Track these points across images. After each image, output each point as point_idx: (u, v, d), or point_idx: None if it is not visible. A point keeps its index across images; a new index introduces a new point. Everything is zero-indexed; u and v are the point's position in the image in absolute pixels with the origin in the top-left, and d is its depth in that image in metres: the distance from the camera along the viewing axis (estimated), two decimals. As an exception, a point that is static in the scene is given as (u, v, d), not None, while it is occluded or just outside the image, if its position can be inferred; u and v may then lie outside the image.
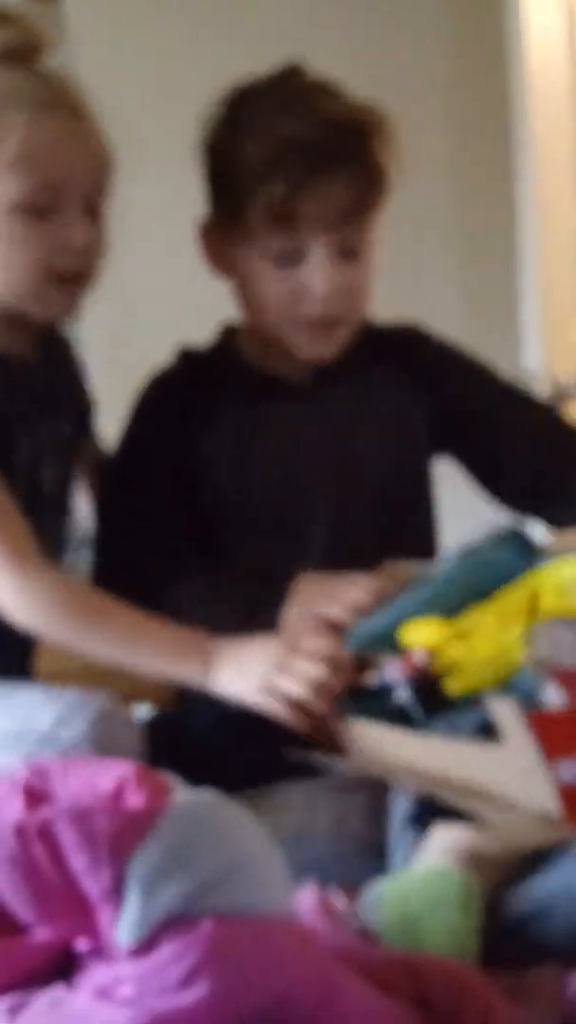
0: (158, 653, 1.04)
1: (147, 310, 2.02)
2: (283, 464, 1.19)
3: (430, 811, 0.94)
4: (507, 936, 0.81)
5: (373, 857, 1.00)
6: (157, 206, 1.73)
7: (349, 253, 1.10)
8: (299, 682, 0.95)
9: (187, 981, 0.58)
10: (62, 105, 1.04)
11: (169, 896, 0.60)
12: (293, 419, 1.20)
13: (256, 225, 1.07)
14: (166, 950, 0.59)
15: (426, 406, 1.23)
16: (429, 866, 0.82)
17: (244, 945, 0.59)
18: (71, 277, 1.06)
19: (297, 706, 0.95)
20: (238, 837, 0.62)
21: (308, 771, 1.03)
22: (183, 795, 0.63)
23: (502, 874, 0.88)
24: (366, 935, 0.76)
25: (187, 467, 1.18)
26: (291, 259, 1.09)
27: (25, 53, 1.04)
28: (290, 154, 1.04)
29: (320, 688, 0.95)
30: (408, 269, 2.12)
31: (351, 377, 1.21)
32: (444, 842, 0.90)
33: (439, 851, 0.88)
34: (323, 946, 0.63)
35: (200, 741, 1.09)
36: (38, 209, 1.02)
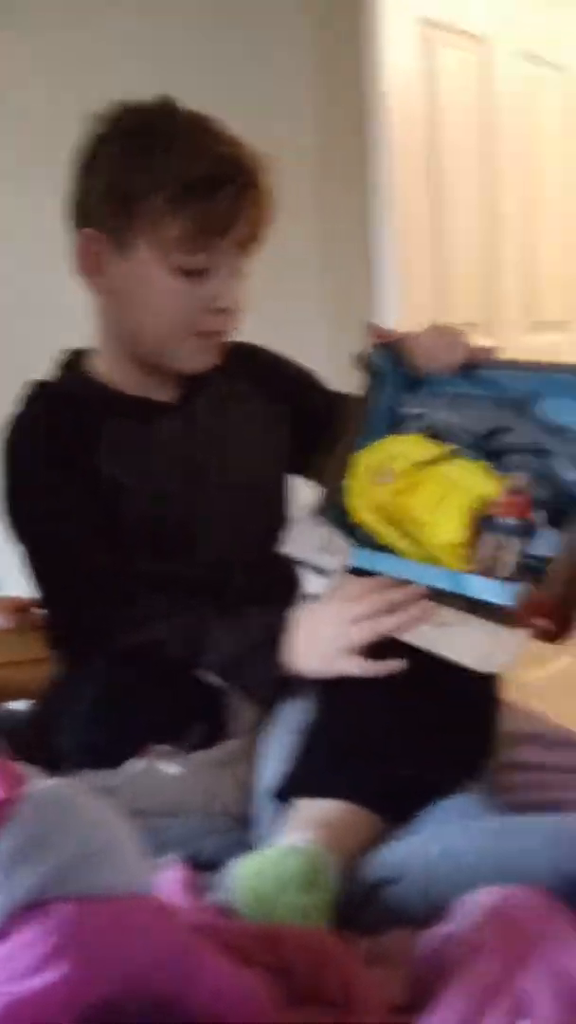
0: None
1: None
2: (170, 480, 1.15)
3: (297, 787, 0.94)
4: (363, 902, 0.80)
5: (242, 832, 0.99)
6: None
7: (241, 273, 1.11)
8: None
9: (43, 965, 0.54)
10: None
11: (26, 883, 0.56)
12: (169, 436, 1.16)
13: (174, 239, 1.04)
14: (23, 936, 0.56)
15: (282, 412, 1.24)
16: (279, 844, 0.81)
17: (101, 927, 0.56)
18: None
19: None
20: (93, 822, 0.59)
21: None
22: (38, 784, 0.60)
23: (360, 843, 0.88)
24: (227, 911, 0.74)
25: (89, 489, 1.12)
26: (198, 274, 1.07)
27: None
28: (228, 173, 1.04)
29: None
30: (279, 299, 2.12)
31: (211, 390, 1.20)
32: (304, 816, 0.89)
33: (298, 825, 0.87)
34: (182, 923, 0.60)
35: (72, 731, 1.05)
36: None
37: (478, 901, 0.70)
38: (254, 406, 1.23)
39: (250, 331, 1.26)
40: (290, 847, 0.77)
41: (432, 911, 0.76)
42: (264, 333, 1.32)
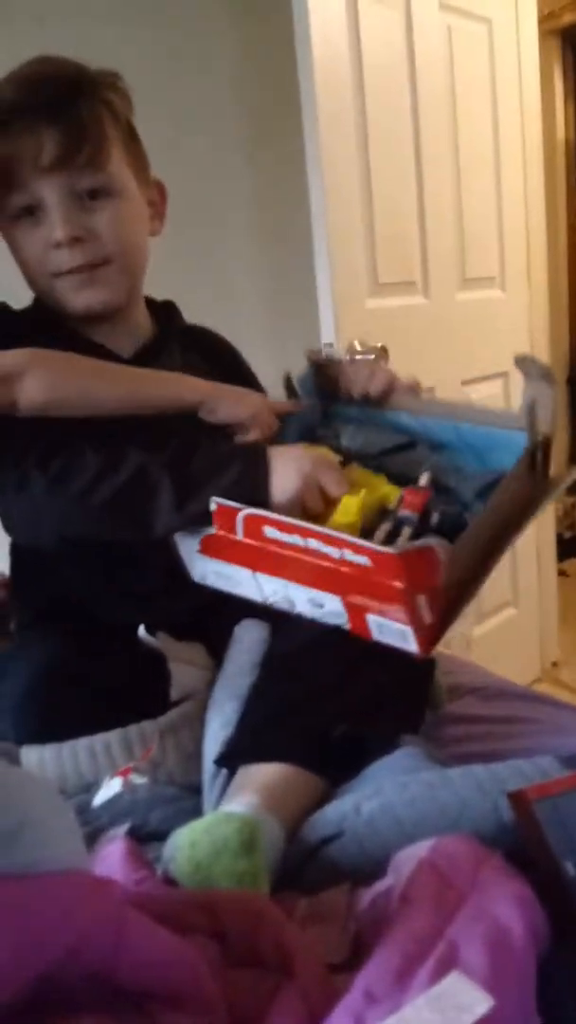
0: (162, 380, 1.06)
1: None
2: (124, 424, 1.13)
3: (238, 754, 0.93)
4: (305, 861, 0.80)
5: (190, 801, 0.98)
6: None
7: (91, 196, 1.05)
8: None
9: (-29, 946, 0.53)
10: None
11: (-49, 862, 0.55)
12: None
13: None
14: (-49, 917, 0.55)
15: None
16: (216, 812, 0.80)
17: (29, 903, 0.55)
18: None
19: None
20: (17, 797, 0.57)
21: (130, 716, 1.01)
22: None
23: (303, 805, 0.88)
24: (169, 880, 0.74)
25: None
26: (32, 215, 1.04)
27: None
28: (6, 108, 1.01)
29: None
30: (217, 264, 2.10)
31: (170, 358, 1.18)
32: (245, 781, 0.89)
33: (240, 790, 0.87)
34: (114, 894, 0.59)
35: (16, 696, 1.03)
36: None
37: (413, 854, 0.70)
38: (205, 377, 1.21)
39: (188, 291, 1.24)
40: (225, 814, 0.77)
41: (372, 866, 0.76)
42: (200, 299, 1.30)
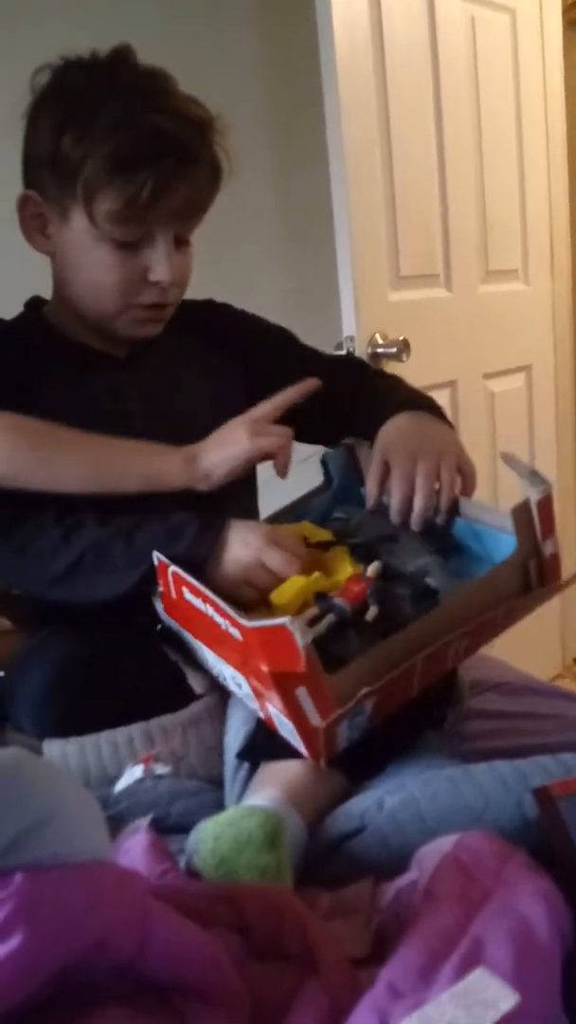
0: (135, 453, 1.04)
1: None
2: (114, 430, 1.14)
3: (261, 748, 0.94)
4: (327, 855, 0.81)
5: (213, 793, 0.99)
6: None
7: (182, 242, 1.09)
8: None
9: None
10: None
11: (-21, 854, 0.56)
12: (116, 388, 1.14)
13: (106, 212, 1.01)
14: (-22, 907, 0.55)
15: (239, 370, 1.23)
16: (239, 806, 0.81)
17: (56, 895, 0.55)
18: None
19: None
20: (44, 790, 0.58)
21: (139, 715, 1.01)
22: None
23: (325, 800, 0.88)
24: (192, 873, 0.74)
25: None
26: (132, 245, 1.04)
27: None
28: (156, 149, 0.99)
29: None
30: (237, 254, 2.10)
31: (165, 348, 1.18)
32: (268, 776, 0.89)
33: (263, 785, 0.88)
34: (139, 887, 0.60)
35: (36, 694, 1.04)
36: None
37: (436, 849, 0.70)
38: (203, 365, 1.21)
39: (208, 284, 1.24)
40: (248, 808, 0.77)
41: (394, 861, 0.76)
42: (219, 287, 1.30)
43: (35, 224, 1.09)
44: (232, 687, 0.95)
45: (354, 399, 1.19)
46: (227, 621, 0.84)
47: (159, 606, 1.03)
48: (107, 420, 1.12)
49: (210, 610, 0.87)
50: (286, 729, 0.84)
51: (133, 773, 0.93)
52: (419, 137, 1.92)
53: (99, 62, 1.05)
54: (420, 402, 1.18)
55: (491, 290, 2.14)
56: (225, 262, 1.99)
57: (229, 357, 1.23)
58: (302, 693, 0.77)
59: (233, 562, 0.97)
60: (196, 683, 1.06)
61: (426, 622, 0.86)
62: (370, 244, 1.81)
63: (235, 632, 0.83)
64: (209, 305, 1.28)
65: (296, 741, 0.83)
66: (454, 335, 2.03)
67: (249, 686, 0.88)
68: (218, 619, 0.86)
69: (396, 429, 1.10)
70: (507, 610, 0.91)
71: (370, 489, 1.07)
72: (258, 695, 0.87)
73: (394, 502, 1.03)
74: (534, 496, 0.91)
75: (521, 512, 0.92)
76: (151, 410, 1.16)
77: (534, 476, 0.94)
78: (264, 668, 0.78)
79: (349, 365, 1.35)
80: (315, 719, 0.78)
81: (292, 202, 2.20)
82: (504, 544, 0.95)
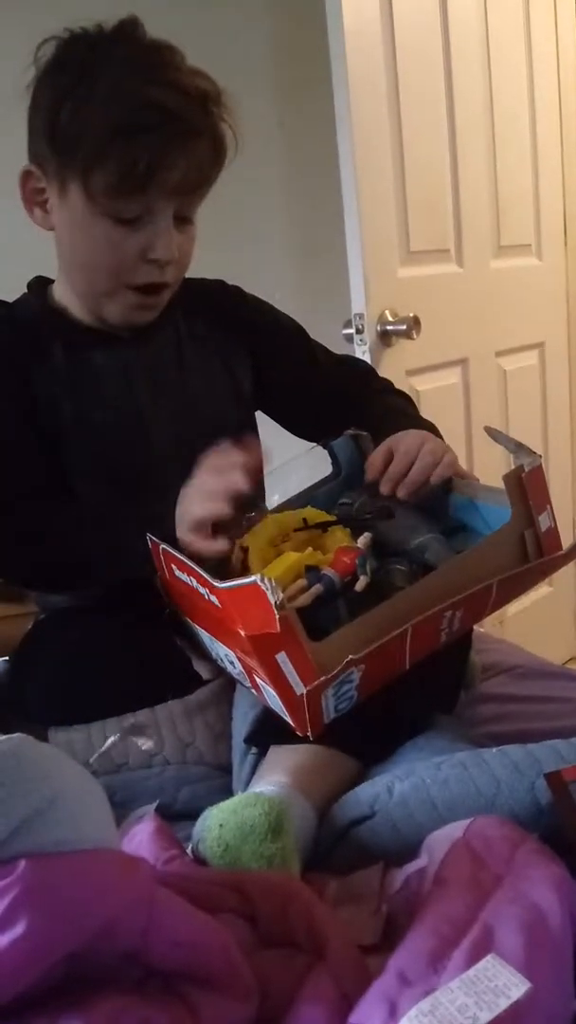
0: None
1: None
2: (120, 412, 1.13)
3: (268, 732, 0.93)
4: (336, 841, 0.81)
5: (220, 779, 0.99)
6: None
7: (182, 221, 1.06)
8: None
9: (3, 923, 0.54)
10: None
11: (-17, 840, 0.56)
12: (122, 370, 1.13)
13: (102, 185, 0.99)
14: (-17, 894, 0.55)
15: (245, 359, 1.21)
16: (244, 794, 0.80)
17: (60, 881, 0.55)
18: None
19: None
20: (48, 775, 0.58)
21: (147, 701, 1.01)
22: (-7, 739, 0.59)
23: (334, 785, 0.88)
24: (199, 860, 0.74)
25: (26, 410, 1.09)
26: (131, 222, 1.02)
27: None
28: (153, 120, 0.97)
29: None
30: (246, 231, 2.08)
31: (171, 327, 1.17)
32: (277, 761, 0.89)
33: (271, 771, 0.87)
34: (145, 873, 0.60)
35: (43, 682, 1.04)
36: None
37: (447, 835, 0.70)
38: (212, 347, 1.19)
39: (217, 263, 1.22)
40: (253, 796, 0.77)
41: (404, 847, 0.76)
42: (228, 265, 1.29)
43: (36, 199, 1.07)
44: (227, 667, 0.95)
45: (366, 415, 1.17)
46: (207, 589, 0.83)
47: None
48: (114, 403, 1.12)
49: (194, 582, 0.86)
50: (274, 702, 0.83)
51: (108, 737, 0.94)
52: (429, 111, 1.90)
53: (103, 35, 1.03)
54: (429, 427, 1.16)
55: (503, 265, 2.12)
56: (234, 240, 1.98)
57: (237, 344, 1.21)
58: (283, 659, 0.77)
59: (180, 516, 0.94)
60: (203, 669, 1.06)
61: (415, 591, 0.85)
62: (379, 219, 1.79)
63: (215, 599, 0.82)
64: (219, 287, 1.25)
65: (283, 713, 0.82)
66: (465, 312, 2.01)
67: (240, 662, 0.87)
68: (201, 590, 0.85)
69: (404, 432, 1.09)
70: (503, 582, 0.90)
71: (372, 461, 1.05)
72: (248, 671, 0.86)
73: (390, 469, 1.02)
74: (525, 467, 0.91)
75: (512, 481, 0.91)
76: (157, 392, 1.15)
77: (521, 449, 0.93)
78: (241, 632, 0.77)
79: (356, 371, 1.32)
80: (298, 686, 0.78)
81: (300, 177, 2.18)
82: (507, 519, 0.95)
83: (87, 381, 1.12)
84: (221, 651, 0.93)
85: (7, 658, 1.28)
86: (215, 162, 1.04)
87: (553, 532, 0.95)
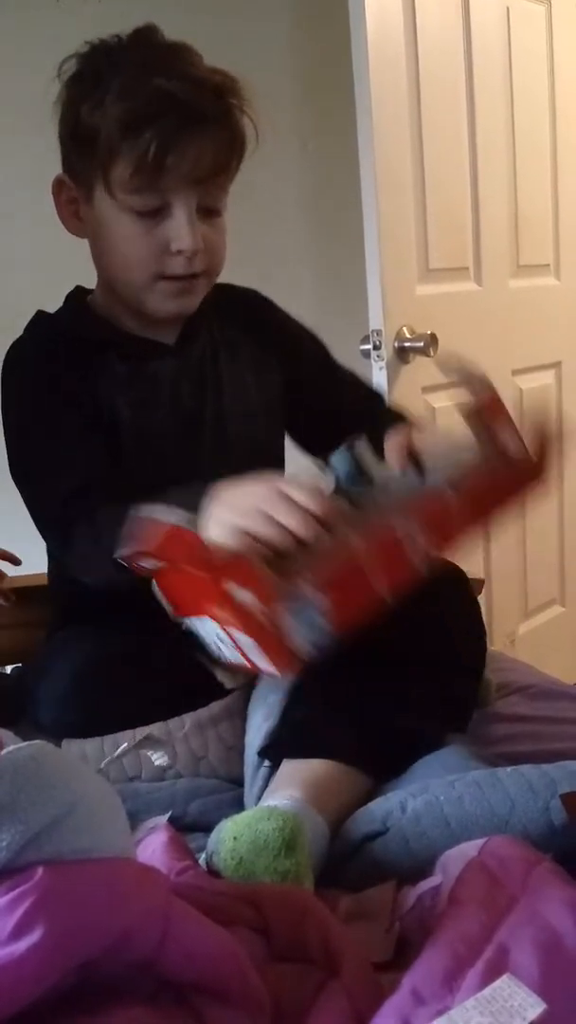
0: None
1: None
2: (173, 417, 1.13)
3: (282, 745, 0.94)
4: (348, 857, 0.81)
5: (229, 792, 0.99)
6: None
7: (209, 211, 1.06)
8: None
9: (20, 930, 0.54)
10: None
11: (1, 847, 0.56)
12: (171, 378, 1.14)
13: (120, 180, 1.01)
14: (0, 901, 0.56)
15: (277, 373, 1.22)
16: (258, 807, 0.80)
17: (77, 889, 0.56)
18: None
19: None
20: (67, 783, 0.58)
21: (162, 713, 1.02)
22: (13, 747, 0.59)
23: (347, 801, 0.88)
24: (213, 872, 0.74)
25: (91, 416, 1.09)
26: (153, 215, 1.03)
27: None
28: (161, 110, 0.98)
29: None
30: (266, 246, 2.10)
31: (211, 336, 1.18)
32: (289, 776, 0.89)
33: (284, 785, 0.88)
34: (160, 884, 0.60)
35: (49, 704, 1.04)
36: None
37: (461, 854, 0.70)
38: (245, 354, 1.20)
39: (235, 277, 1.23)
40: (267, 810, 0.77)
41: (416, 865, 0.76)
42: (248, 280, 1.29)
43: (69, 208, 1.09)
44: (226, 653, 0.88)
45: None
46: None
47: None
48: (166, 409, 1.13)
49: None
50: (253, 652, 0.80)
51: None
52: (451, 129, 1.91)
53: (120, 42, 1.05)
54: None
55: (522, 285, 2.13)
56: (253, 254, 1.99)
57: (271, 357, 1.21)
58: (232, 587, 0.75)
59: (222, 519, 0.82)
60: (225, 679, 1.05)
61: (371, 508, 0.84)
62: (399, 236, 1.80)
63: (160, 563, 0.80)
64: (254, 297, 1.25)
65: (262, 659, 0.79)
66: (483, 330, 2.02)
67: (222, 631, 0.82)
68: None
69: None
70: (464, 494, 0.88)
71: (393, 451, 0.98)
72: (228, 634, 0.82)
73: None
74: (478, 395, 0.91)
75: (472, 415, 0.91)
76: (202, 396, 1.15)
77: (474, 380, 0.92)
78: (191, 570, 0.76)
79: (372, 396, 1.32)
80: (256, 605, 0.75)
81: (320, 193, 2.19)
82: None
83: (143, 388, 1.12)
84: (212, 633, 0.87)
85: (19, 665, 1.29)
86: (231, 150, 1.04)
87: (523, 452, 0.93)
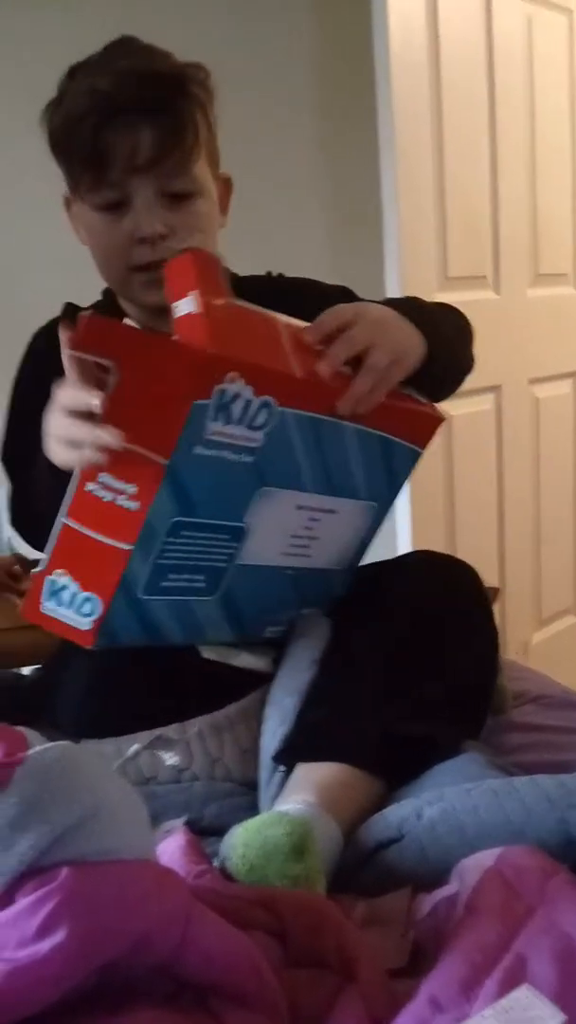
0: None
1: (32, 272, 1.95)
2: None
3: (297, 750, 0.94)
4: (363, 864, 0.81)
5: (244, 796, 0.99)
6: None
7: (176, 197, 1.06)
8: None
9: (44, 930, 0.55)
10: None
11: (24, 848, 0.57)
12: None
13: (79, 181, 1.05)
14: (23, 902, 0.56)
15: None
16: (268, 813, 0.81)
17: (101, 891, 0.56)
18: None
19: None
20: (92, 785, 0.59)
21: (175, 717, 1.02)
22: (39, 748, 0.60)
23: (361, 806, 0.88)
24: (227, 875, 0.75)
25: None
26: (115, 208, 1.05)
27: None
28: (89, 107, 1.01)
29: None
30: (285, 250, 2.11)
31: None
32: (303, 780, 0.89)
33: (298, 789, 0.88)
34: (181, 887, 0.61)
35: (68, 704, 1.05)
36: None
37: (478, 863, 0.70)
38: None
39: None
40: (277, 815, 0.77)
41: (431, 873, 0.76)
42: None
43: (74, 221, 1.12)
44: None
45: None
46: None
47: None
48: None
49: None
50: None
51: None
52: (472, 138, 1.92)
53: (89, 57, 1.08)
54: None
55: (540, 294, 2.13)
56: (272, 261, 2.00)
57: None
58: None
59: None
60: (248, 659, 1.06)
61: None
62: (418, 243, 1.81)
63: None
64: (307, 283, 1.26)
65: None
66: (500, 338, 2.02)
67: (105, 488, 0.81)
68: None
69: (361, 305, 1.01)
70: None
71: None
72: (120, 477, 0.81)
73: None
74: None
75: None
76: None
77: None
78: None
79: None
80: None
81: (340, 200, 2.20)
82: None
83: None
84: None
85: (38, 667, 1.30)
86: (175, 133, 1.03)
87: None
